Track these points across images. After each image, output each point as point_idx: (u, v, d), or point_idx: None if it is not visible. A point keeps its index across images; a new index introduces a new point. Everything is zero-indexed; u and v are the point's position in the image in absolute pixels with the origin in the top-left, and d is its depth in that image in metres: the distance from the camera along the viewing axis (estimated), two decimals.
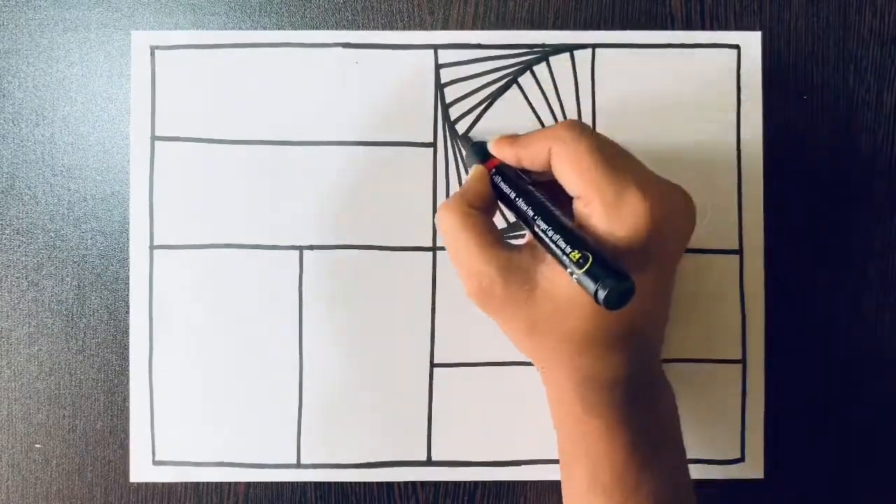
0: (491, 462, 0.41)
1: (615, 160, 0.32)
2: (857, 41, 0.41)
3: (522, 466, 0.41)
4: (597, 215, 0.31)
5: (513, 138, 0.35)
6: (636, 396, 0.33)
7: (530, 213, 0.32)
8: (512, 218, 0.41)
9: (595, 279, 0.29)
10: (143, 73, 0.41)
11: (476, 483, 0.41)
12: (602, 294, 0.29)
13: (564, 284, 0.32)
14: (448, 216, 0.34)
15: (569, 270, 0.30)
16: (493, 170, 0.35)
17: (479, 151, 0.37)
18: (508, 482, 0.41)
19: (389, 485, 0.41)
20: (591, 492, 0.33)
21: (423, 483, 0.41)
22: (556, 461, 0.40)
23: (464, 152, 0.40)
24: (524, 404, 0.41)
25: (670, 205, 0.32)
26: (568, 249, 0.30)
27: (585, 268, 0.29)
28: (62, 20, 0.41)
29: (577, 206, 0.32)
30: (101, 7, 0.41)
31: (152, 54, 0.41)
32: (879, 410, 0.41)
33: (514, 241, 0.35)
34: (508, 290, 0.32)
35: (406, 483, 0.41)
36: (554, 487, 0.41)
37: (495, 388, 0.41)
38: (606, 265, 0.29)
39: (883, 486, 0.41)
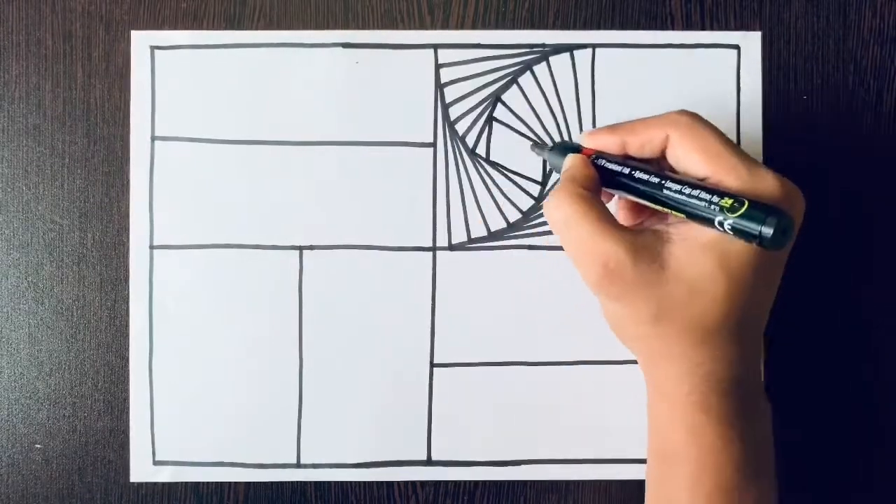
0: (491, 462, 0.41)
1: (738, 148, 0.32)
2: (857, 41, 0.41)
3: (522, 466, 0.41)
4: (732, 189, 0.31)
5: (613, 127, 0.34)
6: (750, 404, 0.33)
7: (654, 179, 0.32)
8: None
9: (755, 219, 0.29)
10: (143, 73, 0.41)
11: (476, 483, 0.41)
12: (768, 230, 0.28)
13: (696, 263, 0.31)
14: (564, 202, 0.32)
15: (718, 220, 0.29)
16: (594, 155, 0.34)
17: (566, 149, 0.36)
18: (508, 482, 0.41)
19: (389, 485, 0.41)
20: (693, 496, 0.32)
21: (423, 483, 0.41)
22: (554, 461, 0.40)
23: (546, 159, 0.38)
24: (524, 404, 0.41)
25: (795, 192, 0.32)
26: (716, 199, 0.30)
27: (741, 211, 0.29)
28: (62, 20, 0.41)
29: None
30: (100, 7, 0.41)
31: (152, 54, 0.41)
32: (879, 410, 0.41)
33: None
34: (638, 269, 0.31)
35: (406, 483, 0.41)
36: (554, 487, 0.41)
37: (495, 388, 0.41)
38: (763, 206, 0.29)
39: (883, 486, 0.41)
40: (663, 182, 0.32)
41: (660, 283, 0.31)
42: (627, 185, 0.33)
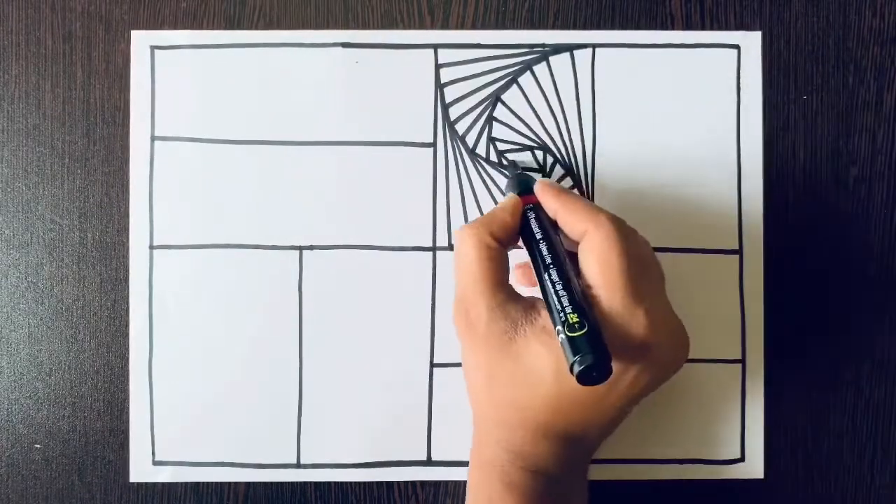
0: None
1: (639, 282, 0.32)
2: (857, 41, 0.41)
3: None
4: (599, 309, 0.31)
5: (559, 192, 0.35)
6: (557, 497, 0.34)
7: (548, 260, 0.33)
8: None
9: (576, 349, 0.29)
10: (143, 73, 0.41)
11: None
12: (577, 367, 0.29)
13: (537, 356, 0.32)
14: (467, 241, 0.34)
15: (557, 328, 0.30)
16: (529, 206, 0.35)
17: (521, 184, 0.37)
18: None
19: (389, 485, 0.41)
20: None
21: (423, 483, 0.41)
22: None
23: (508, 176, 0.40)
24: None
25: (668, 346, 0.33)
26: (569, 309, 0.30)
27: (574, 334, 0.30)
28: (62, 20, 0.41)
29: (583, 287, 0.32)
30: (100, 7, 0.41)
31: (152, 54, 0.41)
32: (879, 410, 0.41)
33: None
34: (490, 331, 0.33)
35: (406, 483, 0.41)
36: None
37: None
38: (596, 343, 0.29)
39: (883, 487, 0.41)
40: (551, 266, 0.32)
41: (502, 353, 0.32)
42: (530, 249, 0.34)
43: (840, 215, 0.41)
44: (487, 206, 0.41)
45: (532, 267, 0.34)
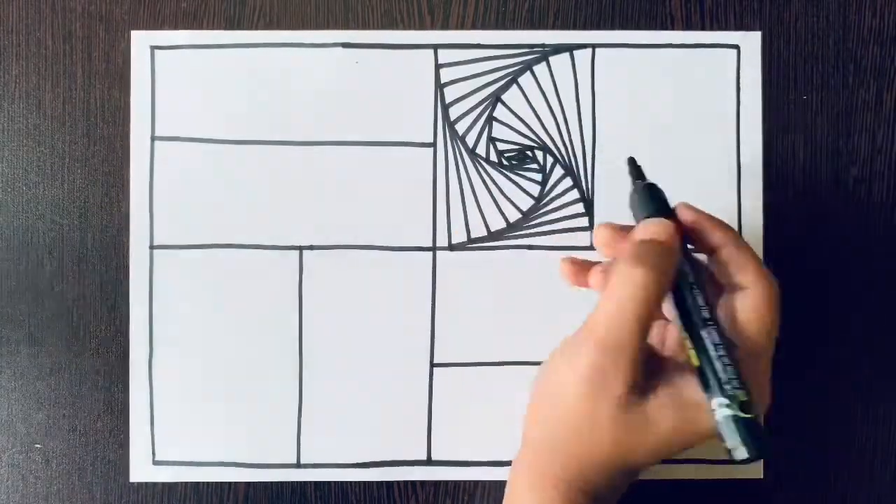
0: (491, 462, 0.41)
1: (771, 349, 0.32)
2: (857, 41, 0.41)
3: None
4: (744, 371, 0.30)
5: (727, 228, 0.32)
6: None
7: (706, 315, 0.31)
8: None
9: (742, 437, 0.29)
10: (143, 73, 0.41)
11: (476, 483, 0.41)
12: (741, 455, 0.29)
13: (667, 416, 0.31)
14: (638, 295, 0.30)
15: (718, 400, 0.29)
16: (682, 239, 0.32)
17: (656, 201, 0.33)
18: None
19: (389, 484, 0.41)
20: None
21: (423, 483, 0.41)
22: None
23: (634, 192, 0.34)
24: (524, 404, 0.40)
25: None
26: (736, 384, 0.29)
27: (743, 415, 0.29)
28: (62, 20, 0.41)
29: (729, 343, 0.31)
30: (100, 7, 0.41)
31: (152, 54, 0.41)
32: (879, 410, 0.41)
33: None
34: (623, 401, 0.31)
35: (406, 483, 0.41)
36: None
37: (495, 388, 0.41)
38: (760, 431, 0.29)
39: (883, 487, 0.41)
40: (708, 322, 0.31)
41: (628, 410, 0.31)
42: (679, 295, 0.31)
43: (840, 215, 0.41)
44: (487, 205, 0.41)
45: (673, 309, 0.32)
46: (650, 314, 0.31)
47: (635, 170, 0.35)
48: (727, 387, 0.29)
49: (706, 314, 0.31)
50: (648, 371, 0.31)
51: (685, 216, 0.33)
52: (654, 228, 0.32)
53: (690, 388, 0.31)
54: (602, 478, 0.33)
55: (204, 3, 0.41)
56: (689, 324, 0.31)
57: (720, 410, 0.29)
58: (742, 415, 0.29)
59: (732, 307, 0.32)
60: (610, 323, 0.31)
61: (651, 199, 0.33)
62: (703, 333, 0.30)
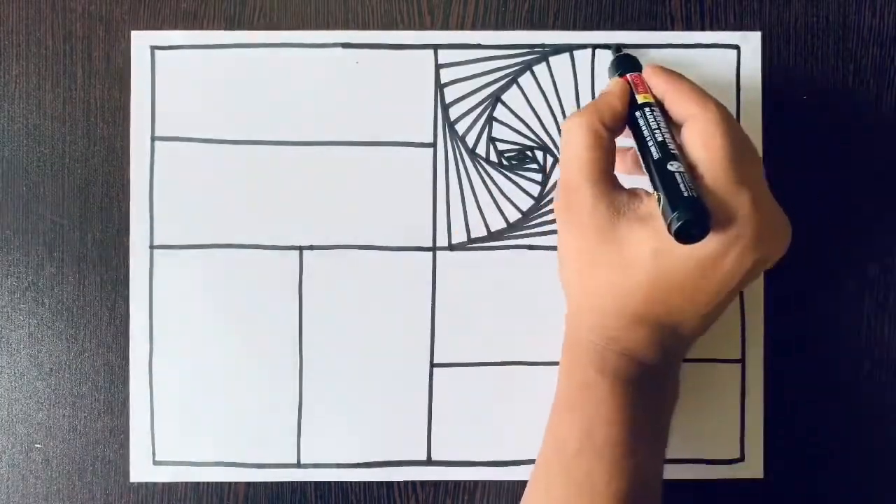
0: (491, 462, 0.41)
1: (742, 165, 0.32)
2: (857, 41, 0.41)
3: (522, 466, 0.41)
4: (703, 187, 0.32)
5: (669, 74, 0.36)
6: (651, 383, 0.34)
7: (653, 125, 0.33)
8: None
9: (675, 208, 0.30)
10: (143, 73, 0.41)
11: (476, 483, 0.41)
12: (676, 224, 0.30)
13: (638, 242, 0.32)
14: (577, 131, 0.34)
15: (658, 195, 0.31)
16: (632, 82, 0.36)
17: (624, 64, 0.37)
18: (508, 482, 0.41)
19: (389, 484, 0.41)
20: (582, 447, 0.34)
21: (423, 483, 0.41)
22: None
23: (611, 58, 0.39)
24: (524, 404, 0.41)
25: (770, 229, 0.33)
26: (683, 183, 0.31)
27: (669, 197, 0.30)
28: (62, 20, 0.41)
29: (687, 166, 0.33)
30: (100, 7, 0.41)
31: (152, 54, 0.41)
32: (879, 410, 0.41)
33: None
34: (593, 218, 0.33)
35: (406, 483, 0.41)
36: None
37: (495, 388, 0.41)
38: (694, 201, 0.30)
39: (883, 487, 0.41)
40: (655, 129, 0.33)
41: (603, 240, 0.33)
42: (633, 122, 0.35)
43: (840, 215, 0.41)
44: (487, 206, 0.41)
45: (635, 149, 0.34)
46: (593, 145, 0.34)
47: (616, 48, 0.40)
48: (664, 177, 0.31)
49: (654, 126, 0.34)
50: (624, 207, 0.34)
51: (644, 72, 0.36)
52: (609, 88, 0.37)
53: (655, 213, 0.32)
54: (627, 331, 0.33)
55: (204, 3, 0.41)
56: (640, 144, 0.34)
57: (660, 196, 0.31)
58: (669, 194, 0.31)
59: (684, 139, 0.34)
60: (562, 167, 0.35)
61: (617, 64, 0.38)
62: (648, 143, 0.33)
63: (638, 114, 0.34)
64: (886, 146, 0.41)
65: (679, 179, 0.31)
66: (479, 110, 0.41)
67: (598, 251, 0.33)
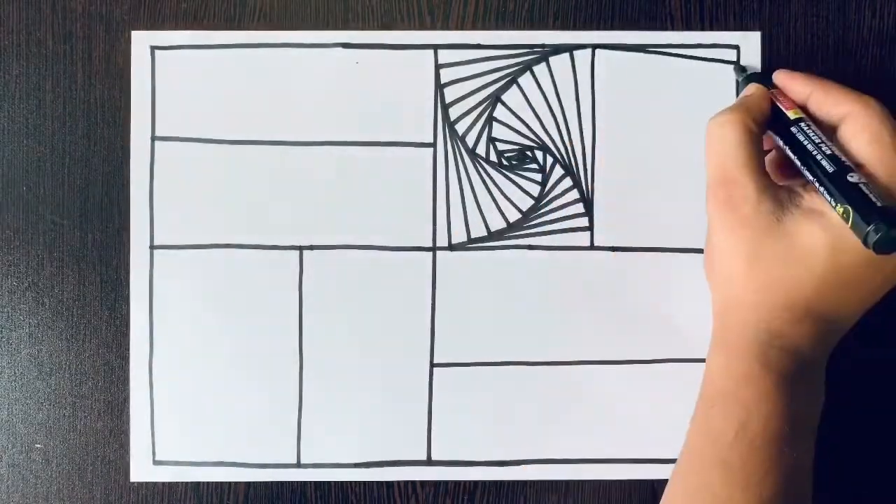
0: (491, 462, 0.41)
1: None
2: (857, 41, 0.41)
3: (522, 466, 0.41)
4: (877, 186, 0.32)
5: (808, 75, 0.36)
6: (808, 378, 0.34)
7: (815, 139, 0.33)
8: None
9: (869, 220, 0.30)
10: (143, 73, 0.41)
11: (476, 483, 0.41)
12: (874, 237, 0.30)
13: (810, 234, 0.32)
14: (731, 127, 0.34)
15: (838, 205, 0.31)
16: (775, 94, 0.37)
17: (756, 79, 0.38)
18: (508, 482, 0.41)
19: (389, 484, 0.41)
20: (737, 439, 0.33)
21: (423, 483, 0.41)
22: (555, 461, 0.40)
23: (737, 79, 0.40)
24: (524, 404, 0.41)
25: None
26: (871, 193, 0.31)
27: (861, 209, 0.30)
28: (62, 20, 0.41)
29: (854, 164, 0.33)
30: (100, 7, 0.41)
31: (152, 54, 0.41)
32: (878, 410, 0.41)
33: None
34: (758, 212, 0.33)
35: (406, 483, 0.41)
36: (554, 487, 0.41)
37: (495, 388, 0.41)
38: (887, 210, 0.30)
39: (882, 487, 0.41)
40: (819, 143, 0.33)
41: (769, 233, 0.33)
42: (787, 135, 0.35)
43: None
44: (487, 205, 0.41)
45: (788, 153, 0.35)
46: (750, 142, 0.34)
47: (740, 69, 0.40)
48: (844, 193, 0.32)
49: (816, 140, 0.33)
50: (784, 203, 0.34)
51: (775, 78, 0.37)
52: (743, 91, 0.37)
53: (824, 206, 0.33)
54: (793, 325, 0.33)
55: (204, 3, 0.41)
56: (803, 154, 0.34)
57: (845, 208, 0.31)
58: (857, 205, 0.31)
59: (844, 140, 0.34)
60: (717, 163, 0.35)
61: (747, 80, 0.39)
62: (815, 155, 0.33)
63: (795, 129, 0.34)
64: None
65: (866, 190, 0.31)
66: (479, 110, 0.41)
67: (765, 245, 0.33)
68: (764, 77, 0.38)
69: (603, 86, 0.41)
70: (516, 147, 0.41)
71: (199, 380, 0.41)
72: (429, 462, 0.41)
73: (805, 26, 0.41)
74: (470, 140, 0.41)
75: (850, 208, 0.31)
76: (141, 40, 0.41)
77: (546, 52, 0.41)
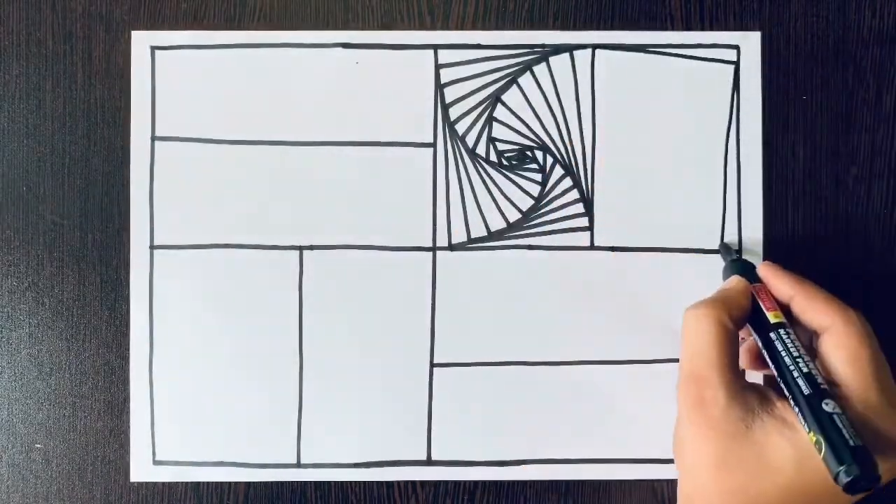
0: (491, 462, 0.41)
1: (888, 379, 0.32)
2: (857, 41, 0.41)
3: (522, 466, 0.41)
4: (852, 409, 0.31)
5: (793, 277, 0.35)
6: None
7: (794, 353, 0.32)
8: None
9: (841, 460, 0.29)
10: (143, 73, 0.41)
11: (476, 483, 0.41)
12: (845, 479, 0.29)
13: (778, 444, 0.32)
14: (706, 321, 0.34)
15: (813, 434, 0.30)
16: (755, 287, 0.36)
17: (741, 269, 0.37)
18: (508, 482, 0.41)
19: (389, 484, 0.41)
20: None
21: (423, 483, 0.41)
22: (554, 461, 0.40)
23: (723, 262, 0.40)
24: (524, 404, 0.41)
25: None
26: (845, 428, 0.30)
27: (835, 445, 0.29)
28: (62, 20, 0.41)
29: (829, 382, 0.32)
30: (100, 7, 0.41)
31: (152, 54, 0.41)
32: None
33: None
34: (727, 416, 0.32)
35: (406, 483, 0.41)
36: (554, 487, 0.41)
37: (495, 388, 0.41)
38: (861, 452, 0.29)
39: (882, 487, 0.41)
40: (796, 358, 0.32)
41: (737, 440, 0.32)
42: (765, 338, 0.34)
43: (840, 215, 0.41)
44: (487, 206, 0.41)
45: (763, 354, 0.34)
46: (725, 340, 0.33)
47: (726, 249, 0.40)
48: (824, 427, 0.30)
49: (795, 354, 0.32)
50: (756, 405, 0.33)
51: (760, 272, 0.36)
52: (725, 283, 0.37)
53: (785, 409, 0.32)
54: None
55: (204, 3, 0.41)
56: (778, 365, 0.33)
57: (819, 441, 0.30)
58: (831, 441, 0.29)
59: (822, 352, 0.33)
60: (690, 358, 0.34)
61: (733, 266, 0.38)
62: (791, 372, 0.32)
63: (773, 336, 0.33)
64: (887, 146, 0.41)
65: (840, 424, 0.30)
66: (479, 110, 0.41)
67: (732, 450, 0.32)
68: (748, 265, 0.37)
69: (603, 86, 0.41)
70: (516, 147, 0.41)
71: (199, 380, 0.41)
72: (429, 462, 0.41)
73: (805, 26, 0.41)
74: (470, 140, 0.41)
75: (822, 441, 0.30)
76: (141, 40, 0.41)
77: (546, 52, 0.41)
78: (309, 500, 0.41)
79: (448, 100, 0.41)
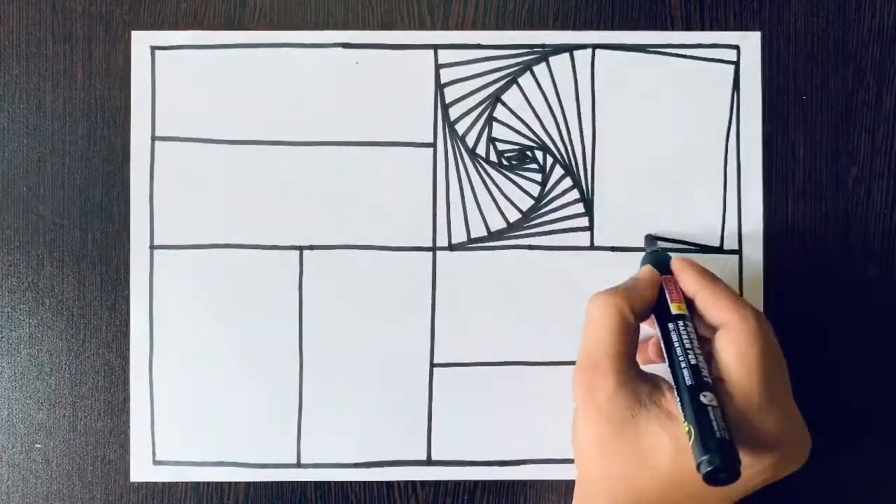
0: (491, 462, 0.41)
1: (774, 383, 0.32)
2: (857, 41, 0.41)
3: (522, 466, 0.41)
4: (732, 405, 0.32)
5: (701, 273, 0.35)
6: None
7: (686, 345, 0.33)
8: None
9: (706, 450, 0.29)
10: (143, 73, 0.41)
11: (476, 483, 0.41)
12: (705, 468, 0.29)
13: (658, 435, 0.32)
14: (606, 310, 0.34)
15: (686, 424, 0.30)
16: (664, 281, 0.35)
17: (657, 260, 0.37)
18: (508, 482, 0.41)
19: (389, 484, 0.41)
20: None
21: (423, 483, 0.41)
22: (554, 461, 0.40)
23: (644, 250, 0.40)
24: (524, 404, 0.41)
25: (793, 448, 0.33)
26: (716, 420, 0.30)
27: (700, 435, 0.30)
28: (62, 20, 0.41)
29: (716, 377, 0.33)
30: (100, 7, 0.41)
31: (152, 54, 0.41)
32: (879, 411, 0.41)
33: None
34: (612, 405, 0.33)
35: (406, 483, 0.41)
36: (554, 487, 0.41)
37: (495, 388, 0.41)
38: (726, 446, 0.29)
39: (883, 487, 0.41)
40: (687, 350, 0.32)
41: (621, 429, 0.32)
42: (664, 330, 0.34)
43: (840, 215, 0.41)
44: (487, 206, 0.41)
45: (661, 345, 0.34)
46: (621, 329, 0.33)
47: (649, 240, 0.40)
48: (698, 417, 0.30)
49: (686, 346, 0.33)
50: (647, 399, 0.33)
51: (672, 264, 0.36)
52: (636, 273, 0.36)
53: (672, 400, 0.32)
54: None
55: (204, 3, 0.41)
56: (670, 357, 0.33)
57: (690, 432, 0.30)
58: (700, 433, 0.30)
59: (716, 348, 0.33)
60: (586, 345, 0.34)
61: (648, 256, 0.38)
62: (680, 366, 0.32)
63: (671, 326, 0.34)
64: (887, 146, 0.41)
65: (712, 416, 0.30)
66: (479, 110, 0.41)
67: (614, 439, 0.32)
68: (663, 257, 0.37)
69: (603, 86, 0.41)
70: (516, 147, 0.41)
71: (199, 380, 0.41)
72: (429, 462, 0.41)
73: (805, 26, 0.41)
74: (470, 140, 0.41)
75: (693, 430, 0.30)
76: (141, 40, 0.41)
77: (546, 52, 0.41)
78: (309, 500, 0.41)
79: (448, 100, 0.41)
